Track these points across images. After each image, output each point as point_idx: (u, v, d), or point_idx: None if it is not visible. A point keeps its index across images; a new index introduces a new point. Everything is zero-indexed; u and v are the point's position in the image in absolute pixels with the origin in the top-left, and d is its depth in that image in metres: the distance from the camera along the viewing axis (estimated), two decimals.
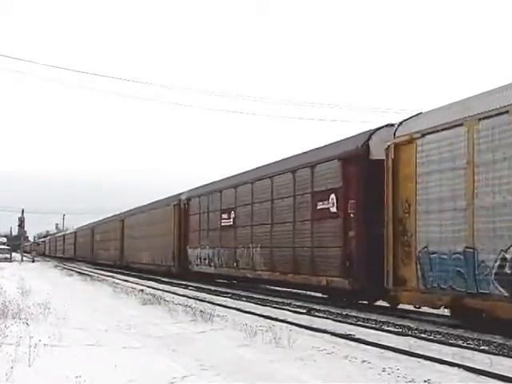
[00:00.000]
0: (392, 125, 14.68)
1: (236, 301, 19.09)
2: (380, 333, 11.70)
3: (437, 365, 8.43)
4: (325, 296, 18.47)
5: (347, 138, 17.27)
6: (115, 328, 12.10)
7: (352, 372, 8.01)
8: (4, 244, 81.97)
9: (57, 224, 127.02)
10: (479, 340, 10.64)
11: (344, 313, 14.99)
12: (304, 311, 15.49)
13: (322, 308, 16.30)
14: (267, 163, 22.88)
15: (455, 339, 10.85)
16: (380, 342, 10.22)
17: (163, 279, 31.31)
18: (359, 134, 16.74)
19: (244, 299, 19.69)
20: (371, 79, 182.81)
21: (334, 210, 16.70)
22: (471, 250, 11.43)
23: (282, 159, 21.64)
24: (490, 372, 7.84)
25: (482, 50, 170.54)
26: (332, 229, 16.70)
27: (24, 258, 68.51)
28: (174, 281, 29.78)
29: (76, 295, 20.33)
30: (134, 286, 25.91)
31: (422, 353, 9.20)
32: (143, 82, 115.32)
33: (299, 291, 20.96)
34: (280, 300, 18.86)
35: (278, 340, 9.93)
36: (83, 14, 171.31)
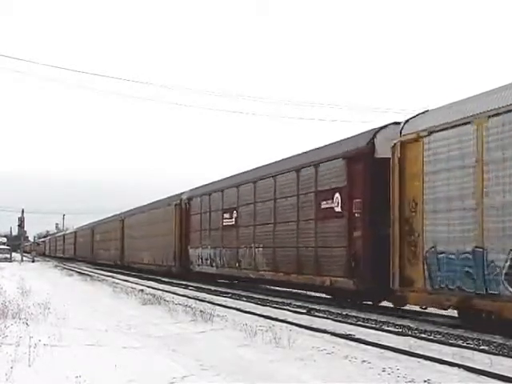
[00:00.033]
0: (398, 123, 14.50)
1: (236, 301, 19.07)
2: (380, 333, 11.68)
3: (437, 365, 8.42)
4: (328, 296, 18.29)
5: (352, 137, 17.08)
6: (115, 328, 12.08)
7: (352, 372, 7.99)
8: (4, 244, 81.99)
9: (57, 224, 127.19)
10: (479, 340, 10.63)
11: (344, 313, 14.97)
12: (304, 311, 15.48)
13: (322, 308, 16.29)
14: (269, 162, 22.68)
15: (455, 339, 10.83)
16: (380, 342, 10.21)
17: (163, 279, 31.28)
18: (364, 133, 16.54)
19: (244, 299, 19.67)
20: (371, 79, 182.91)
21: (338, 209, 16.53)
22: (480, 250, 11.20)
23: (285, 158, 21.43)
24: (490, 372, 7.83)
25: (481, 49, 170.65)
26: (336, 228, 16.53)
27: (24, 258, 68.53)
28: (174, 281, 29.75)
29: (76, 295, 20.31)
30: (134, 286, 25.90)
31: (421, 353, 9.18)
32: (143, 82, 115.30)
33: (300, 291, 20.93)
34: (280, 300, 18.84)
35: (278, 340, 9.91)
36: (83, 14, 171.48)
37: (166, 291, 23.03)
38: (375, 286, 14.94)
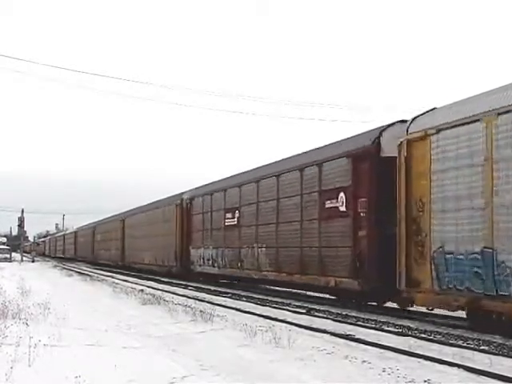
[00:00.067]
0: (404, 121, 14.31)
1: (236, 301, 19.08)
2: (380, 333, 11.68)
3: (437, 365, 8.43)
4: (332, 297, 18.11)
5: (357, 135, 16.89)
6: (115, 328, 12.08)
7: (352, 372, 8.00)
8: (4, 244, 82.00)
9: (57, 224, 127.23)
10: (479, 340, 10.63)
11: (344, 313, 14.97)
12: (304, 311, 15.48)
13: (322, 308, 16.29)
14: (272, 161, 22.47)
15: (455, 339, 10.84)
16: (380, 342, 10.21)
17: (163, 279, 31.30)
18: (369, 131, 16.33)
19: (244, 299, 19.68)
20: (371, 79, 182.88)
21: (343, 208, 16.33)
22: (490, 250, 10.96)
23: (288, 157, 21.22)
24: (489, 372, 7.84)
25: (481, 49, 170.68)
26: (341, 228, 16.35)
27: (24, 258, 68.53)
28: (174, 281, 29.75)
29: (76, 295, 20.32)
30: (134, 285, 25.90)
31: (422, 353, 9.19)
32: (143, 82, 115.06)
33: (299, 291, 20.95)
34: (280, 300, 18.84)
35: (278, 340, 9.91)
36: (83, 14, 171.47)
37: (166, 291, 23.04)
38: (380, 286, 14.72)
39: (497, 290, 10.90)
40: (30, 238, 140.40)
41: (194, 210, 29.64)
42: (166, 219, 33.45)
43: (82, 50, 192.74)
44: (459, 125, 11.91)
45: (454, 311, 12.57)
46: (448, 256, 12.04)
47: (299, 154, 20.36)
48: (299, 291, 20.98)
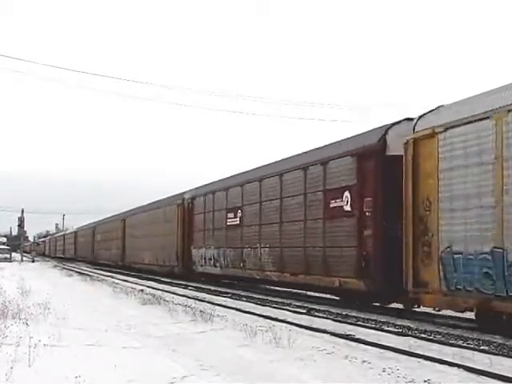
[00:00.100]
0: (410, 119, 14.06)
1: (236, 301, 19.07)
2: (380, 333, 11.68)
3: (437, 365, 8.42)
4: (337, 298, 17.96)
5: (362, 134, 16.66)
6: (115, 328, 12.08)
7: (352, 372, 8.00)
8: (4, 244, 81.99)
9: (57, 224, 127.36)
10: (479, 340, 10.62)
11: (344, 313, 14.96)
12: (304, 311, 15.47)
13: (322, 308, 16.28)
14: (275, 161, 22.22)
15: (455, 339, 10.83)
16: (380, 342, 10.21)
17: (163, 279, 31.29)
18: (375, 129, 16.08)
19: (244, 299, 19.67)
20: (371, 79, 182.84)
21: (348, 208, 16.12)
22: (500, 250, 10.70)
23: (291, 156, 20.98)
24: (489, 372, 7.83)
25: (481, 49, 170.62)
26: (346, 228, 16.10)
27: (24, 258, 68.54)
28: (174, 281, 29.74)
29: (76, 295, 20.31)
30: (134, 285, 25.90)
31: (422, 353, 9.18)
32: (143, 82, 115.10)
33: (300, 291, 20.95)
34: (280, 300, 18.83)
35: (278, 340, 9.91)
36: (83, 14, 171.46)
37: (166, 291, 23.04)
38: (386, 287, 14.54)
39: (507, 291, 10.65)
40: (30, 238, 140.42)
41: (195, 210, 29.44)
42: (167, 219, 33.34)
43: (82, 50, 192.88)
44: (468, 122, 11.65)
45: (462, 312, 12.37)
46: (456, 256, 11.80)
47: (302, 153, 20.08)
48: (299, 291, 20.97)
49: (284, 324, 12.54)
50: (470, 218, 11.50)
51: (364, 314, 14.72)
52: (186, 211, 30.55)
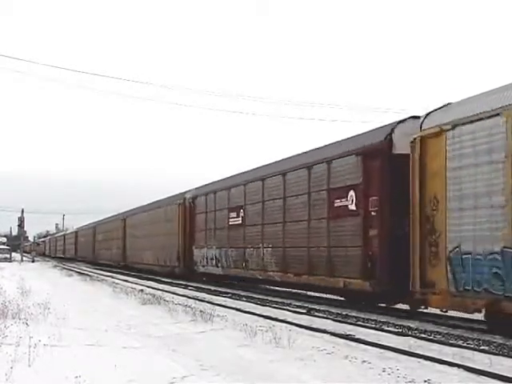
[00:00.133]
0: (417, 117, 13.83)
1: (236, 301, 19.07)
2: (380, 333, 11.68)
3: (437, 365, 8.42)
4: (341, 298, 17.81)
5: (367, 132, 16.47)
6: (115, 328, 12.08)
7: (352, 372, 8.00)
8: (4, 244, 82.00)
9: (57, 224, 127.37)
10: (479, 340, 10.63)
11: (344, 313, 14.96)
12: (304, 311, 15.48)
13: (322, 308, 16.28)
14: (278, 160, 21.98)
15: (455, 339, 10.83)
16: (380, 342, 10.21)
17: (163, 279, 31.28)
18: (380, 128, 15.87)
19: (244, 299, 19.67)
20: (371, 79, 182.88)
21: (353, 207, 15.82)
22: (510, 250, 10.49)
23: (295, 155, 20.72)
24: (489, 372, 7.83)
25: (481, 49, 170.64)
26: (351, 227, 15.85)
27: (24, 258, 68.54)
28: (174, 281, 29.73)
29: (76, 295, 20.31)
30: (134, 285, 25.90)
31: (422, 353, 9.18)
32: (143, 82, 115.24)
33: (300, 291, 20.94)
34: (280, 300, 18.82)
35: (278, 340, 9.91)
36: (83, 14, 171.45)
37: (166, 291, 23.03)
38: (392, 287, 14.33)
39: None
40: (30, 238, 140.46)
41: (197, 209, 29.20)
42: (168, 219, 33.20)
43: (82, 50, 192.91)
44: (477, 120, 11.36)
45: (471, 313, 12.16)
46: (465, 256, 11.53)
47: (306, 152, 19.85)
48: (299, 291, 20.96)
49: (284, 324, 12.54)
50: (480, 218, 11.25)
51: (364, 314, 14.71)
52: (187, 211, 30.35)
